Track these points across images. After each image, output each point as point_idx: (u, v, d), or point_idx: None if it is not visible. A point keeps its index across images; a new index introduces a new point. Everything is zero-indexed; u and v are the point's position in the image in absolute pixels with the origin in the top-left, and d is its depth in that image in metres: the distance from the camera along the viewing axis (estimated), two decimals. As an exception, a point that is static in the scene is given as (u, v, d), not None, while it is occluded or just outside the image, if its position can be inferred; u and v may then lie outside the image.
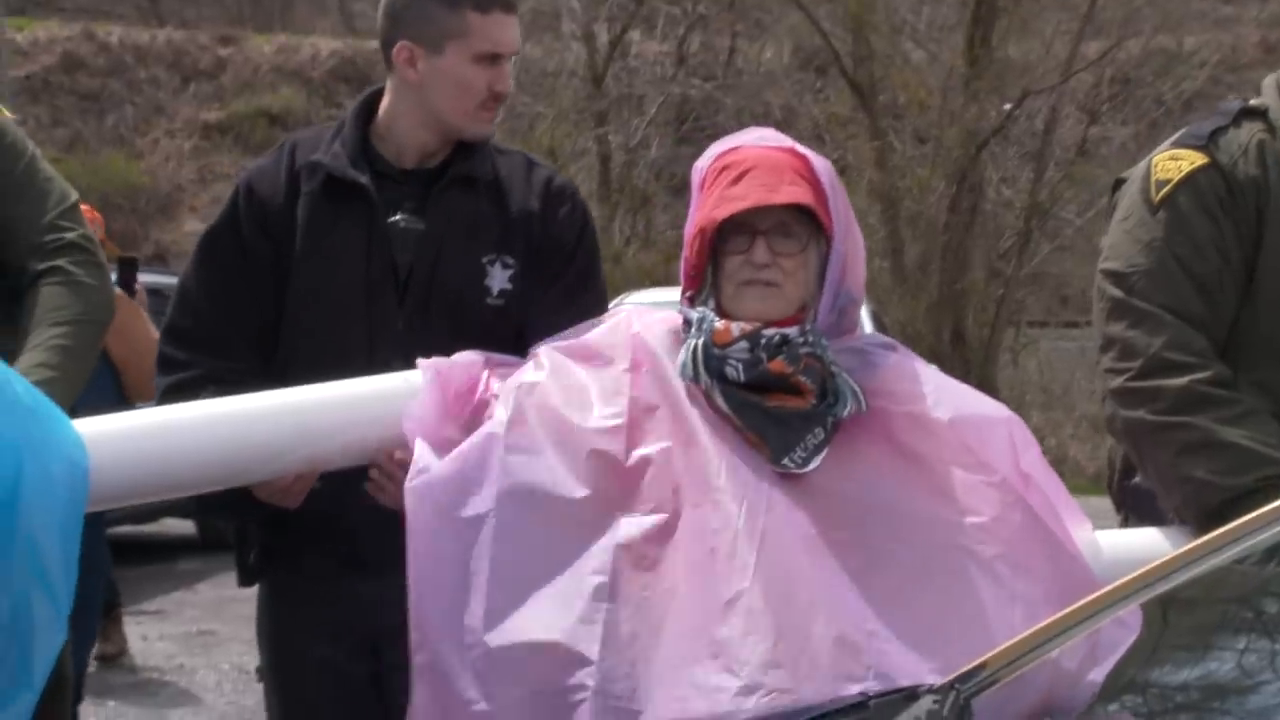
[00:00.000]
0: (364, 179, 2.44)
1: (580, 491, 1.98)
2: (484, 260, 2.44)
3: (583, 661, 1.87)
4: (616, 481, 1.99)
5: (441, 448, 2.07)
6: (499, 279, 2.45)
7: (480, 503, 1.99)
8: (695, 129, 17.22)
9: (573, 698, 1.86)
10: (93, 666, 5.78)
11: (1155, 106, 15.16)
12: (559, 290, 2.43)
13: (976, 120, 13.53)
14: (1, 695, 1.84)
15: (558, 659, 1.88)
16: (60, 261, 2.61)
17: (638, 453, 2.00)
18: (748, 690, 1.79)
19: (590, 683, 1.86)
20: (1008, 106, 13.77)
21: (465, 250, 2.44)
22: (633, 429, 2.02)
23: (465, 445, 2.06)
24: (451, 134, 2.47)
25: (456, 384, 2.15)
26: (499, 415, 2.07)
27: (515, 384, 2.12)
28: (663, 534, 1.95)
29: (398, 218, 2.44)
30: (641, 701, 1.84)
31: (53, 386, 2.34)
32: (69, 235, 2.65)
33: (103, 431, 2.09)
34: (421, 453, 2.06)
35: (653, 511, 1.96)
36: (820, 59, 16.15)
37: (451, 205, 2.46)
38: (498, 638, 1.92)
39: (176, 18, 21.96)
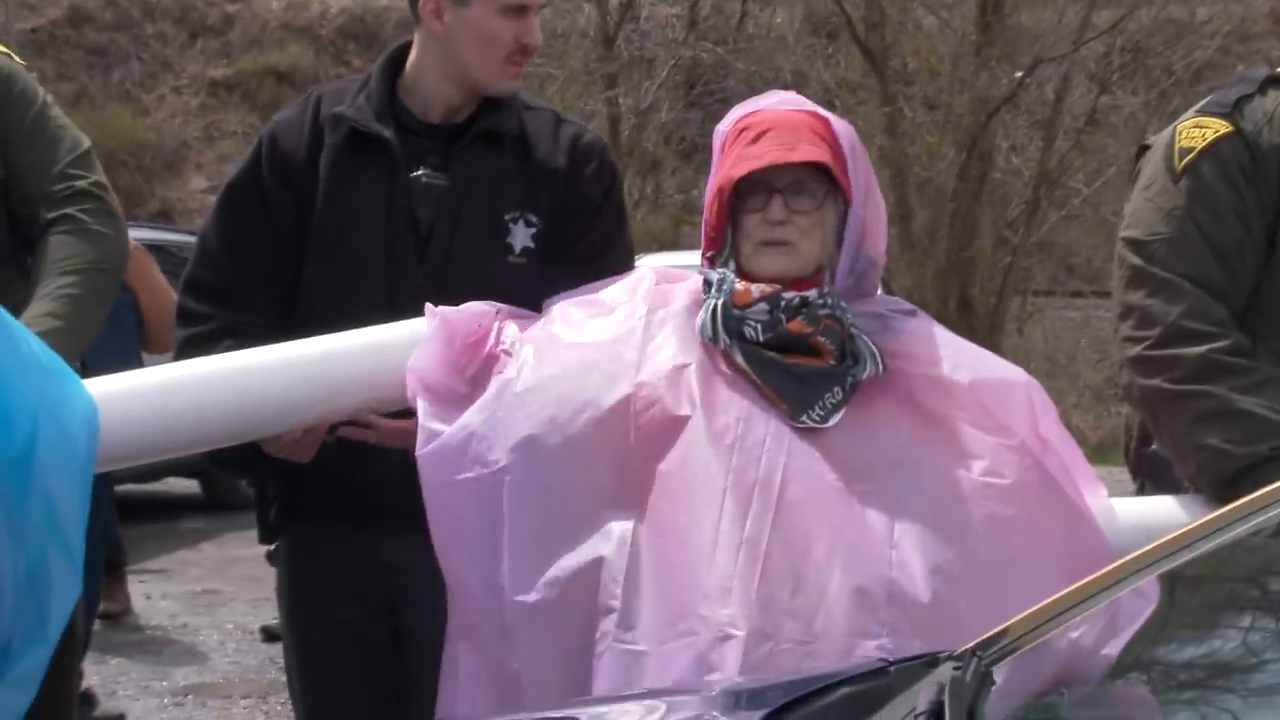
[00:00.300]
0: (388, 133, 2.42)
1: (596, 442, 1.99)
2: (506, 218, 2.42)
3: (607, 610, 1.88)
4: (632, 430, 1.99)
5: (446, 400, 2.07)
6: (521, 237, 2.43)
7: (494, 460, 1.99)
8: (705, 93, 17.17)
9: (598, 647, 1.88)
10: (97, 625, 5.79)
11: (1165, 76, 15.06)
12: (585, 248, 2.42)
13: (987, 88, 13.46)
14: (18, 650, 1.85)
15: (582, 610, 1.89)
16: (71, 209, 2.58)
17: (653, 401, 2.01)
18: (763, 636, 1.80)
19: (612, 629, 1.87)
20: (1018, 74, 13.70)
21: (488, 207, 2.43)
22: (648, 380, 2.03)
23: (478, 402, 2.06)
24: (477, 88, 2.44)
25: (464, 334, 2.14)
26: (509, 370, 2.07)
27: (528, 336, 2.12)
28: (680, 482, 1.95)
29: (420, 173, 2.42)
30: (652, 643, 1.86)
31: (58, 337, 2.33)
32: (80, 183, 2.62)
33: (112, 390, 2.09)
34: (426, 415, 2.06)
35: (670, 459, 1.96)
36: (831, 24, 16.06)
37: (475, 161, 2.44)
38: (525, 595, 1.93)
39: (184, -27, 21.84)
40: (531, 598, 1.93)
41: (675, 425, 1.99)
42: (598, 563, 1.93)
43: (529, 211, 2.43)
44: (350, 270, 2.43)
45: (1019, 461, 1.98)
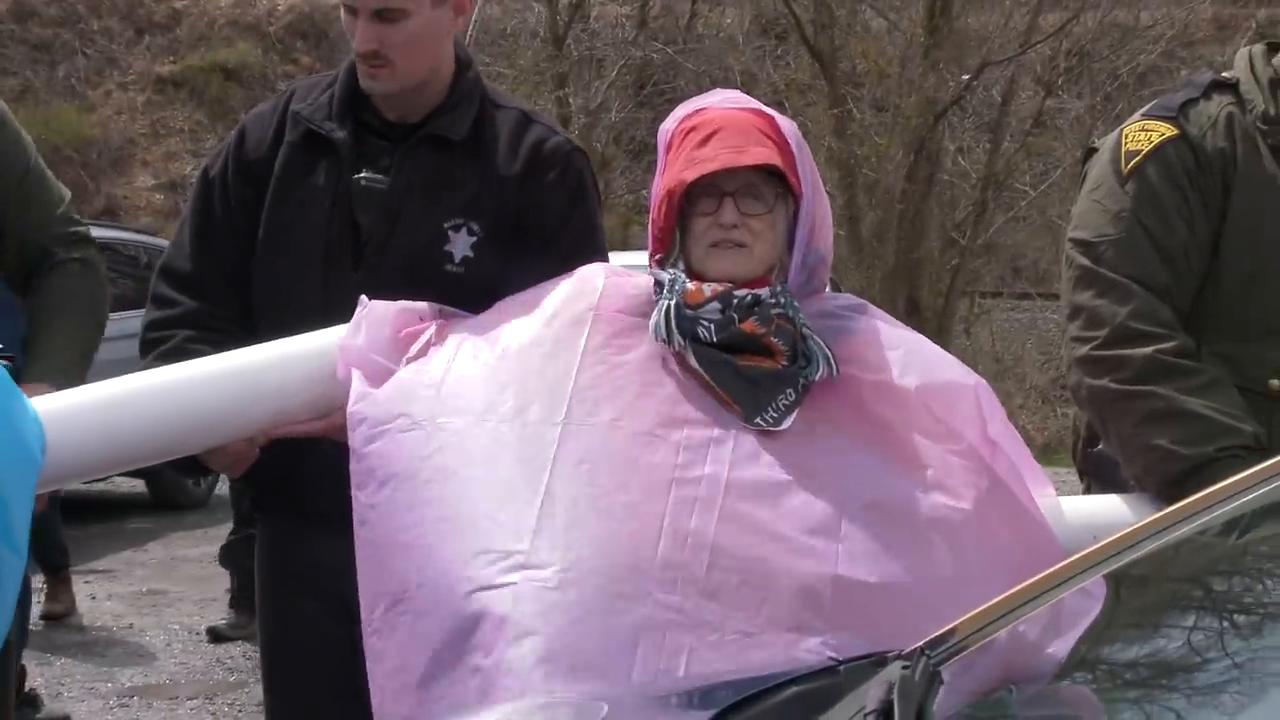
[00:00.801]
0: (339, 133, 2.40)
1: (525, 410, 1.97)
2: (446, 226, 2.37)
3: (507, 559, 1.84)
4: (567, 405, 1.97)
5: (377, 378, 2.06)
6: (461, 245, 2.37)
7: (419, 416, 1.98)
8: (655, 93, 17.16)
9: (498, 580, 1.83)
10: (40, 625, 5.74)
11: (1110, 80, 15.20)
12: (552, 258, 2.32)
13: (935, 90, 13.52)
14: None
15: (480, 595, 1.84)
16: (81, 254, 2.75)
17: (593, 384, 1.99)
18: (708, 627, 1.79)
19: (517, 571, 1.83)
20: (966, 77, 13.78)
21: (426, 213, 2.38)
22: (591, 366, 2.01)
23: (406, 370, 2.06)
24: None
25: (397, 325, 2.13)
26: (443, 351, 2.07)
27: (465, 325, 2.11)
28: (622, 464, 1.93)
29: (361, 175, 2.39)
30: (578, 593, 1.80)
31: (82, 365, 2.68)
32: (80, 229, 2.81)
33: (52, 408, 2.06)
34: (358, 382, 2.05)
35: (613, 453, 1.94)
36: (781, 25, 16.09)
37: (418, 165, 2.40)
38: (437, 568, 1.89)
39: (131, -31, 21.64)
40: (441, 573, 1.88)
41: (618, 422, 1.97)
42: (511, 525, 1.87)
43: (472, 220, 2.38)
44: (288, 269, 2.42)
45: (966, 466, 1.98)
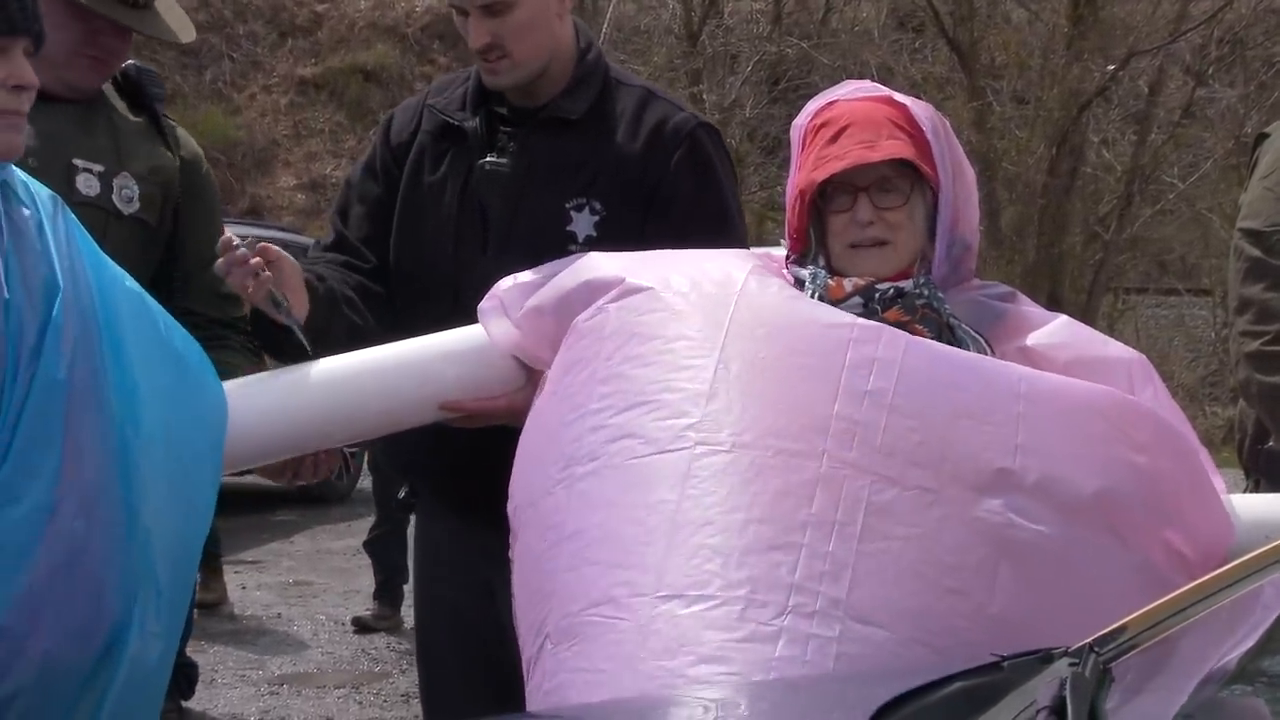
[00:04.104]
0: (470, 122, 2.45)
1: (699, 286, 1.96)
2: (568, 205, 2.39)
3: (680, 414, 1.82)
4: (742, 282, 1.96)
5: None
6: (584, 225, 2.39)
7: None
8: (789, 88, 17.06)
9: (673, 445, 1.81)
10: (195, 613, 5.90)
11: (1265, 68, 14.80)
12: (683, 242, 2.26)
13: (1079, 81, 13.28)
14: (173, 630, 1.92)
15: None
16: (238, 335, 2.60)
17: (764, 273, 1.98)
18: (888, 481, 1.75)
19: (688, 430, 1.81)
20: (1111, 68, 13.49)
21: (548, 194, 2.40)
22: (757, 275, 1.99)
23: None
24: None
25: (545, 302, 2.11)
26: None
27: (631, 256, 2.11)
28: (797, 327, 1.90)
29: (486, 159, 2.43)
30: (747, 448, 1.78)
31: None
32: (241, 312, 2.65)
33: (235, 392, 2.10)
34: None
35: (781, 307, 1.92)
36: (918, 18, 15.93)
37: (537, 147, 2.42)
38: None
39: (274, -26, 22.12)
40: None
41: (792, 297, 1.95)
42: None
43: (594, 199, 2.39)
44: (421, 254, 2.47)
45: (1138, 410, 1.91)
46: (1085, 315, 14.01)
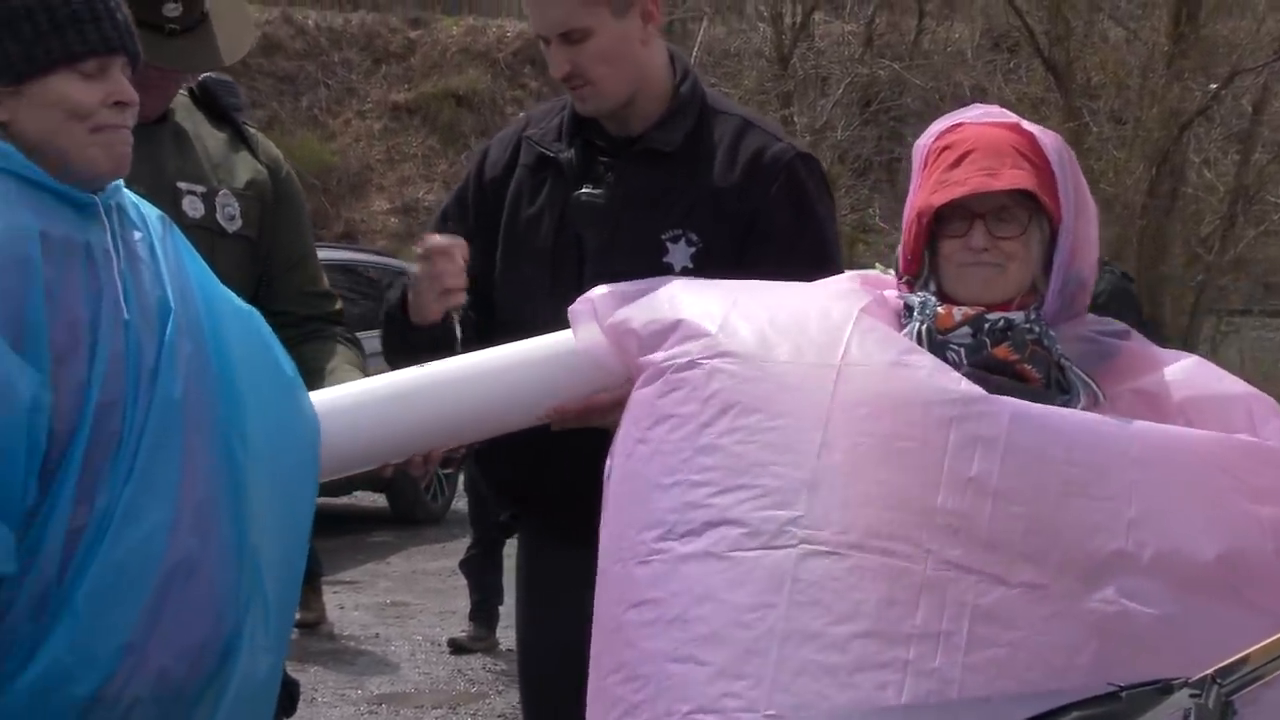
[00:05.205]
0: (565, 153, 2.45)
1: (801, 353, 1.91)
2: (663, 237, 2.37)
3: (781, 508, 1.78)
4: (844, 346, 1.91)
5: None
6: (680, 256, 2.37)
7: (697, 354, 1.94)
8: (880, 110, 17.00)
9: (775, 542, 1.77)
10: (295, 633, 5.98)
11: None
12: (782, 274, 2.22)
13: (1179, 100, 13.03)
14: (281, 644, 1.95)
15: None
16: (341, 328, 2.64)
17: (870, 329, 1.93)
18: (993, 580, 1.71)
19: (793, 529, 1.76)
20: (1213, 86, 13.27)
21: (643, 225, 2.38)
22: (866, 319, 1.95)
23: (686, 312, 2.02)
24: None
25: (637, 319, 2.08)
26: (717, 298, 2.03)
27: (729, 285, 2.07)
28: (901, 405, 1.85)
29: (582, 191, 2.42)
30: (840, 546, 1.74)
31: None
32: (338, 304, 2.71)
33: (328, 400, 2.15)
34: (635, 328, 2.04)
35: (888, 380, 1.87)
36: (1012, 38, 15.78)
37: (633, 177, 2.41)
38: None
39: (369, 1, 22.44)
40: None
41: (900, 362, 1.88)
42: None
43: (690, 230, 2.37)
44: (521, 284, 2.48)
45: (1262, 453, 1.85)
46: (1187, 338, 13.77)
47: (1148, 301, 13.56)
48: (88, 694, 1.74)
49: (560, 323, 2.29)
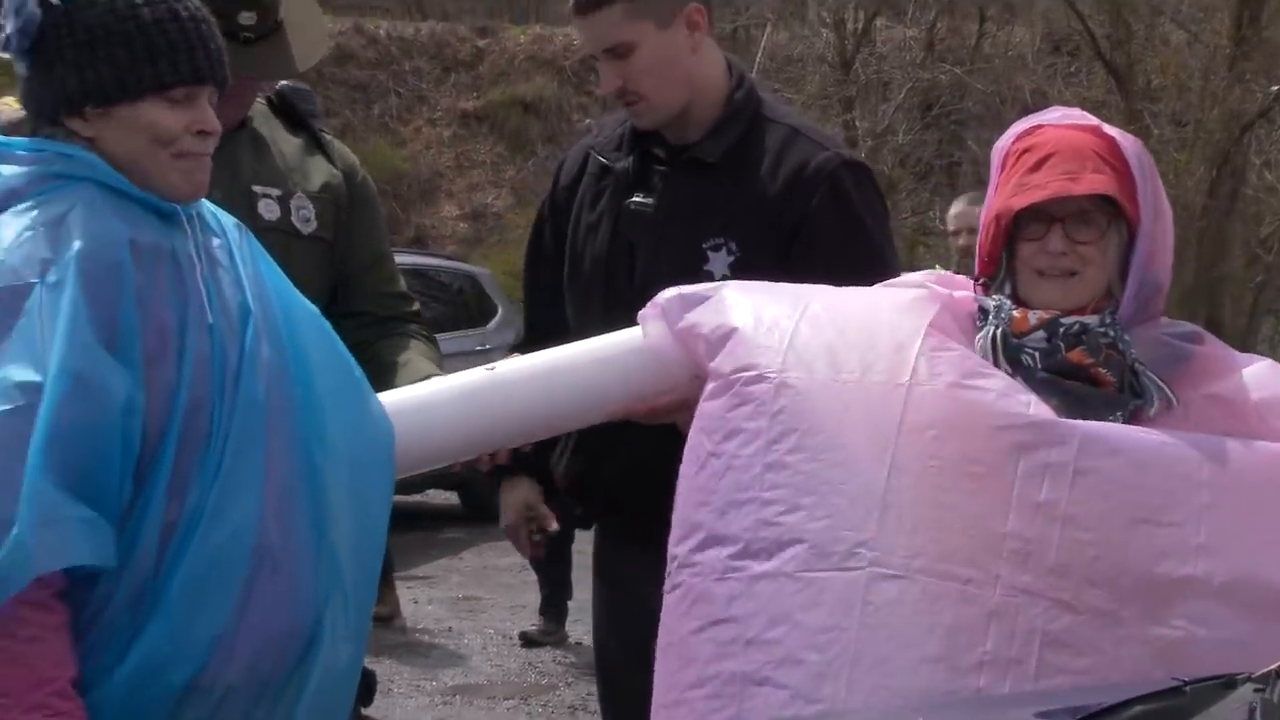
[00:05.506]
0: (622, 162, 2.47)
1: (869, 371, 1.89)
2: (705, 245, 2.37)
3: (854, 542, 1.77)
4: (912, 366, 1.89)
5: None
6: (720, 265, 2.36)
7: (766, 368, 1.91)
8: (942, 114, 16.88)
9: (844, 563, 1.76)
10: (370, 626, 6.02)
11: None
12: (834, 281, 2.19)
13: (1240, 102, 12.87)
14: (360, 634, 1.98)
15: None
16: (417, 326, 2.68)
17: (937, 348, 1.90)
18: (1063, 606, 1.70)
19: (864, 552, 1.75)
20: (1276, 88, 13.08)
21: (687, 233, 2.39)
22: (932, 339, 1.93)
23: (747, 326, 1.99)
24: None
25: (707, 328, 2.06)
26: (784, 307, 2.00)
27: (795, 290, 2.06)
28: (968, 429, 1.83)
29: (633, 199, 2.44)
30: (909, 572, 1.72)
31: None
32: (416, 306, 2.76)
33: (399, 401, 2.16)
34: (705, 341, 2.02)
35: (955, 402, 1.84)
36: (1073, 42, 15.63)
37: (680, 186, 2.42)
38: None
39: (439, 11, 22.56)
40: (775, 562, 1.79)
41: (963, 383, 1.86)
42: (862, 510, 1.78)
43: (731, 239, 2.36)
44: (583, 290, 2.52)
45: None
46: (1245, 338, 13.59)
47: (1206, 302, 13.43)
48: (183, 682, 1.77)
49: (610, 324, 2.31)
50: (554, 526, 2.55)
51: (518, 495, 2.57)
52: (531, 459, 2.42)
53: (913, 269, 2.33)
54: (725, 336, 1.99)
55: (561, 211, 2.58)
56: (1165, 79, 14.12)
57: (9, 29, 1.82)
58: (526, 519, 2.55)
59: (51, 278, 1.71)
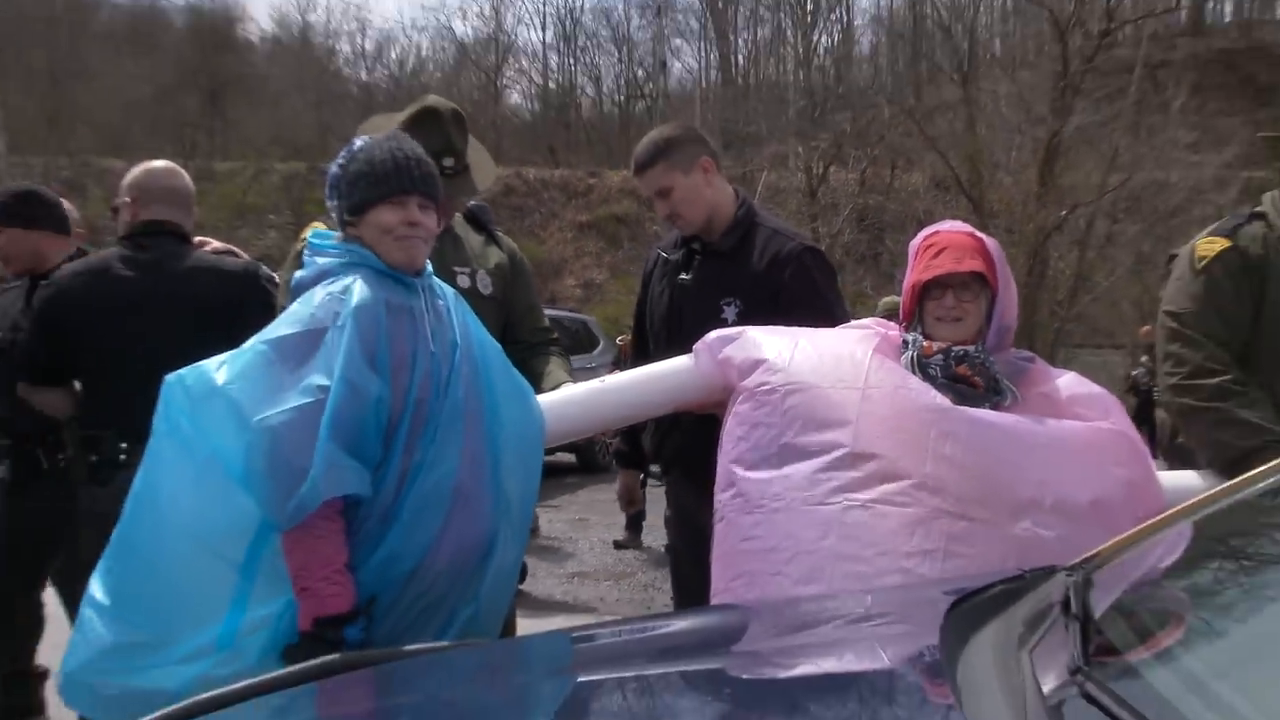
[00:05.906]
0: (673, 255, 2.43)
1: (839, 384, 1.88)
2: (721, 303, 2.32)
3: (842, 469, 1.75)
4: (865, 376, 1.88)
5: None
6: (731, 314, 2.31)
7: (776, 382, 1.89)
8: (871, 223, 16.83)
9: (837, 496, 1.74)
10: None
11: (1154, 213, 14.04)
12: (801, 324, 2.14)
13: (1045, 220, 12.74)
14: (521, 544, 1.91)
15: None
16: (556, 350, 2.56)
17: (880, 366, 1.90)
18: (958, 516, 1.68)
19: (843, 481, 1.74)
20: (1064, 212, 12.92)
21: (711, 297, 2.34)
22: (877, 359, 1.93)
23: (759, 354, 1.95)
24: None
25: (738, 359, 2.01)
26: (780, 343, 1.97)
27: (789, 332, 2.02)
28: (902, 410, 1.82)
29: (682, 278, 2.40)
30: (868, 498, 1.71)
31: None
32: (554, 333, 2.60)
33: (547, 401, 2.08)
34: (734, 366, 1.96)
35: (894, 397, 1.84)
36: (947, 182, 15.50)
37: (707, 268, 2.38)
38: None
39: (566, 162, 22.70)
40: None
41: (900, 388, 1.85)
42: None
43: (737, 298, 2.31)
44: (654, 331, 2.48)
45: (1114, 435, 1.85)
46: (1051, 362, 13.28)
47: (1026, 340, 13.18)
48: (410, 568, 1.71)
49: (674, 355, 2.26)
50: (641, 504, 2.57)
51: (626, 478, 2.67)
52: (635, 457, 2.49)
53: (855, 318, 2.31)
54: (748, 362, 1.99)
55: (646, 287, 2.55)
56: (1001, 205, 13.95)
57: (328, 181, 1.86)
58: (628, 491, 2.67)
59: (339, 323, 1.72)
